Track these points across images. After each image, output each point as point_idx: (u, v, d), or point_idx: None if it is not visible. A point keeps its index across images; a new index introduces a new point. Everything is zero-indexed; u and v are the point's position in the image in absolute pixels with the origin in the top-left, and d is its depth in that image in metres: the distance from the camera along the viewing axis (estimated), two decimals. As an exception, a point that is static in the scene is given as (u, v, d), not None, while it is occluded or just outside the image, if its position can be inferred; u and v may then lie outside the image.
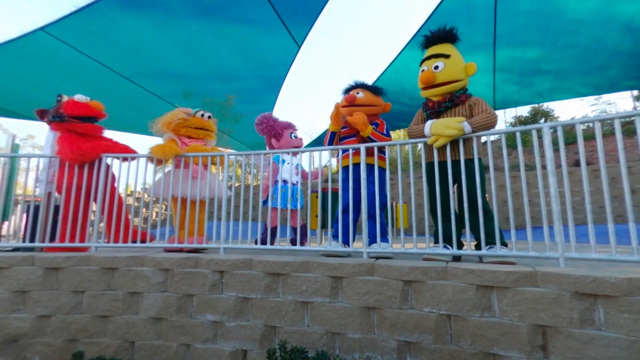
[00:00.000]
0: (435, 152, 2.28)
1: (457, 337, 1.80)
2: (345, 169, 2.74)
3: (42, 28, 4.52)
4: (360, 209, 2.62)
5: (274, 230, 3.32)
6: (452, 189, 2.24)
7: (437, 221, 2.25)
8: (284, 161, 3.30)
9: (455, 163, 2.25)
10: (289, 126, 3.57)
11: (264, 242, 2.93)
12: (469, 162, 2.23)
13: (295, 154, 3.32)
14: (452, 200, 2.22)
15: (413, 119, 2.61)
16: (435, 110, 2.39)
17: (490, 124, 2.20)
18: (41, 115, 3.00)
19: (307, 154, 3.40)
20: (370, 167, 2.58)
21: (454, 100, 2.36)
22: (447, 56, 2.41)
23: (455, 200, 2.29)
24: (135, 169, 2.84)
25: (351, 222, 2.61)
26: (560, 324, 1.58)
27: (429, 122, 2.28)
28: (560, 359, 1.56)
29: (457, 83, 2.39)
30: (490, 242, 2.11)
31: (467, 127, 2.18)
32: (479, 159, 2.30)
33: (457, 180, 2.28)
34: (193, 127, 3.04)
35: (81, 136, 2.84)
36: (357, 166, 2.64)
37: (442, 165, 2.26)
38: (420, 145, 2.45)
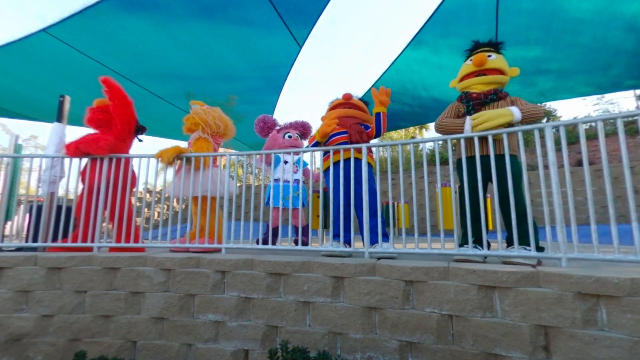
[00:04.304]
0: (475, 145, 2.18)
1: (459, 338, 1.80)
2: (335, 166, 2.68)
3: (44, 29, 4.54)
4: (350, 207, 2.64)
5: (275, 230, 3.32)
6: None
7: (466, 221, 2.13)
8: (278, 159, 3.29)
9: (486, 158, 2.17)
10: (286, 127, 3.57)
11: (265, 242, 2.92)
12: (503, 157, 2.11)
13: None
14: (482, 198, 2.10)
15: (445, 111, 2.48)
16: (481, 101, 2.33)
17: (538, 115, 2.20)
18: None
19: (309, 153, 3.41)
20: (359, 164, 2.59)
21: (498, 94, 2.34)
22: (498, 52, 2.47)
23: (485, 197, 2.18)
24: (138, 168, 2.86)
25: (352, 219, 2.61)
26: (562, 325, 1.58)
27: (468, 119, 2.23)
28: (562, 360, 1.56)
29: (504, 76, 2.41)
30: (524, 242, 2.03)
31: (517, 113, 2.17)
32: (491, 156, 2.15)
33: (489, 177, 2.18)
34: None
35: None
36: (347, 162, 2.65)
37: (473, 160, 2.18)
38: (421, 145, 2.44)
